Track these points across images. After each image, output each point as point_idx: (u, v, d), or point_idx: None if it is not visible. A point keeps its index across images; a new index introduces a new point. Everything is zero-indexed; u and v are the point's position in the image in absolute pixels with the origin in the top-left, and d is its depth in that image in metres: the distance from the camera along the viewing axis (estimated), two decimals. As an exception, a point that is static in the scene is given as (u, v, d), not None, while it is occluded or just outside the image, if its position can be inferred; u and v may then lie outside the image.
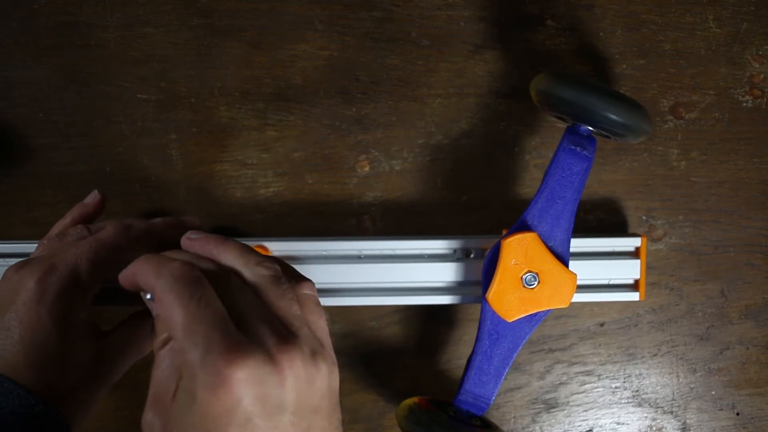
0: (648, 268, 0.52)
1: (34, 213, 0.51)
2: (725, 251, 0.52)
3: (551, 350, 0.52)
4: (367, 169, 0.52)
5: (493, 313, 0.45)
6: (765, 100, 0.52)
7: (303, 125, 0.51)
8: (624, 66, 0.51)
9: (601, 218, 0.52)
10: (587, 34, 0.51)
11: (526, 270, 0.44)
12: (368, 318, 0.52)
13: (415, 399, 0.47)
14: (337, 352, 0.52)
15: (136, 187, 0.51)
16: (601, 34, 0.51)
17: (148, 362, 0.53)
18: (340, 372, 0.52)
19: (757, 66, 0.52)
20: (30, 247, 0.47)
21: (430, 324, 0.52)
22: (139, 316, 0.43)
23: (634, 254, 0.49)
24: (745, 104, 0.52)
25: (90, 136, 0.51)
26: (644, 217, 0.52)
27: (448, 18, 0.51)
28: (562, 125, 0.51)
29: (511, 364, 0.45)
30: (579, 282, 0.45)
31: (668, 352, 0.53)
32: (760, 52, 0.52)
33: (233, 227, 0.51)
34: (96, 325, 0.40)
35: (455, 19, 0.51)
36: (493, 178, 0.52)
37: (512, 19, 0.51)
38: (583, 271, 0.48)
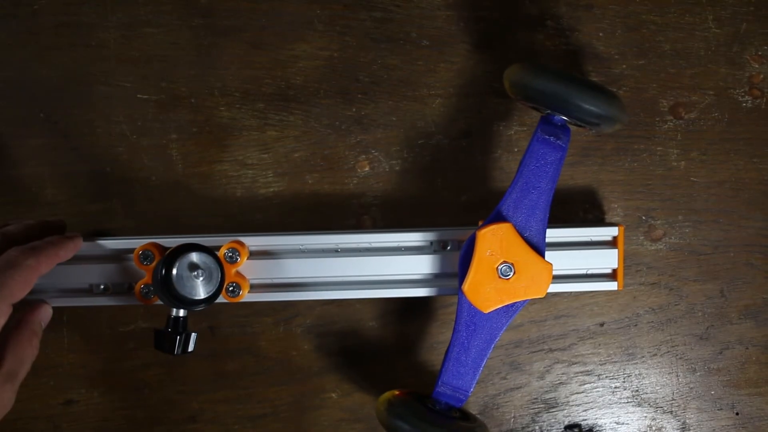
0: (647, 268, 0.52)
1: (34, 213, 0.51)
2: (725, 251, 0.52)
3: (551, 350, 0.53)
4: (367, 169, 0.52)
5: (470, 304, 0.44)
6: (764, 100, 0.52)
7: (303, 125, 0.51)
8: (624, 66, 0.52)
9: (601, 218, 0.52)
10: (587, 35, 0.51)
11: (501, 261, 0.44)
12: (368, 318, 0.52)
13: (394, 392, 0.47)
14: (338, 351, 0.52)
15: (136, 187, 0.51)
16: (601, 34, 0.52)
17: (148, 363, 0.53)
18: (341, 372, 0.52)
19: (757, 66, 0.52)
20: (30, 247, 0.47)
21: (430, 324, 0.52)
22: (17, 333, 0.42)
23: (612, 243, 0.49)
24: (744, 104, 0.52)
25: (90, 136, 0.51)
26: (644, 217, 0.52)
27: (448, 18, 0.51)
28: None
29: (488, 355, 0.45)
30: (557, 272, 0.45)
31: (668, 351, 0.53)
32: (760, 52, 0.52)
33: (232, 227, 0.51)
34: None
35: (455, 19, 0.51)
36: (493, 178, 0.52)
37: (512, 19, 0.51)
38: (561, 261, 0.48)
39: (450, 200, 0.52)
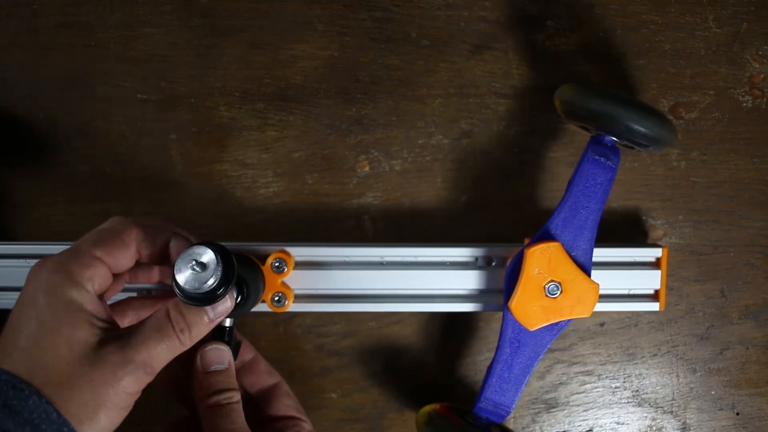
0: (648, 268, 0.52)
1: (34, 213, 0.51)
2: (725, 251, 0.52)
3: (551, 350, 0.52)
4: (367, 169, 0.52)
5: (515, 321, 0.44)
6: (765, 100, 0.52)
7: (303, 125, 0.51)
8: (624, 66, 0.51)
9: (601, 218, 0.52)
10: (587, 35, 0.51)
11: (549, 279, 0.44)
12: (368, 318, 0.52)
13: (435, 406, 0.47)
14: (337, 351, 0.52)
15: (136, 188, 0.51)
16: (601, 34, 0.51)
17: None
18: (341, 372, 0.52)
19: (757, 66, 0.52)
20: (29, 248, 0.47)
21: (430, 324, 0.52)
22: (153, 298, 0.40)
23: (655, 264, 0.49)
24: (745, 104, 0.52)
25: (90, 136, 0.51)
26: (644, 217, 0.52)
27: (448, 18, 0.51)
28: (563, 125, 0.51)
29: (531, 372, 0.45)
30: (600, 291, 0.45)
31: (668, 352, 0.53)
32: (760, 52, 0.52)
33: (232, 227, 0.51)
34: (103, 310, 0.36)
35: (455, 19, 0.51)
36: (493, 178, 0.52)
37: (512, 19, 0.51)
38: (604, 280, 0.47)
39: (450, 200, 0.52)
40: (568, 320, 0.45)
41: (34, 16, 0.51)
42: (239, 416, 0.39)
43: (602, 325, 0.52)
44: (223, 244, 0.39)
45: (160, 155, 0.51)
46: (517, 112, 0.52)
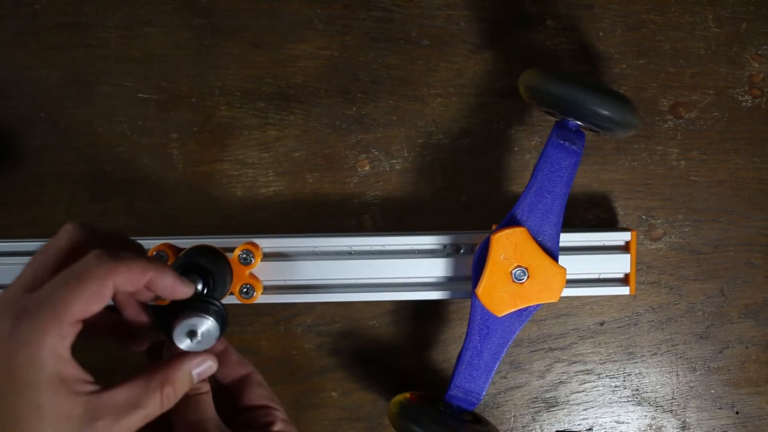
0: (647, 267, 0.52)
1: (34, 213, 0.51)
2: (725, 250, 0.52)
3: (551, 349, 0.53)
4: (367, 168, 0.52)
5: (483, 308, 0.45)
6: (764, 99, 0.52)
7: (303, 125, 0.52)
8: (624, 66, 0.52)
9: (601, 217, 0.52)
10: (587, 34, 0.52)
11: (515, 265, 0.44)
12: (368, 317, 0.52)
13: (405, 395, 0.47)
14: (338, 350, 0.52)
15: (137, 187, 0.51)
16: (601, 33, 0.52)
17: (138, 361, 0.53)
18: (341, 371, 0.52)
19: (757, 65, 0.52)
20: (30, 246, 0.47)
21: (431, 322, 0.52)
22: (148, 371, 0.37)
23: (624, 248, 0.49)
24: (744, 104, 0.52)
25: (91, 136, 0.51)
26: (644, 217, 0.52)
27: (448, 18, 0.51)
28: (562, 125, 0.52)
29: (501, 359, 0.45)
30: (569, 276, 0.45)
31: (668, 351, 0.53)
32: (760, 52, 0.52)
33: (233, 226, 0.51)
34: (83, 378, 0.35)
35: (455, 19, 0.51)
36: (493, 178, 0.52)
37: (512, 19, 0.51)
38: (574, 265, 0.48)
39: (450, 200, 0.52)
40: (537, 305, 0.45)
41: (34, 15, 0.51)
42: (207, 407, 0.39)
43: (602, 324, 0.53)
44: (198, 251, 0.38)
45: (161, 154, 0.51)
46: (517, 111, 0.52)
